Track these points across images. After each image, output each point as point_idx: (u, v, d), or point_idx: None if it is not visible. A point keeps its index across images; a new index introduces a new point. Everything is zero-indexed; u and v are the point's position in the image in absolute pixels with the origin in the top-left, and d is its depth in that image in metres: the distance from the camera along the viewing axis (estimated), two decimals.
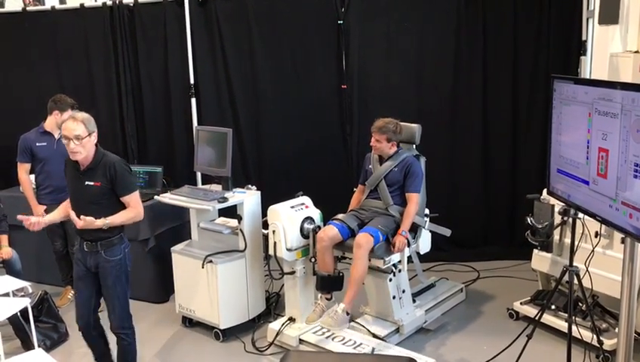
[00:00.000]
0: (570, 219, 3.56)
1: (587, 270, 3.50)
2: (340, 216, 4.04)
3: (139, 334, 4.27)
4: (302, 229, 4.03)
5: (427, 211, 4.24)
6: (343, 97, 5.43)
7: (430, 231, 4.31)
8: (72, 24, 5.73)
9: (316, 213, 4.13)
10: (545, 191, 3.65)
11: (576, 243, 3.41)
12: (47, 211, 4.47)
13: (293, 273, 4.07)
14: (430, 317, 4.33)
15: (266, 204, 4.20)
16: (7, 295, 4.03)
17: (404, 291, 4.16)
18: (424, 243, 4.27)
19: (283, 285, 4.28)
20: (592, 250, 3.45)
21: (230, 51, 5.51)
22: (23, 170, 4.62)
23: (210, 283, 4.18)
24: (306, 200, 4.19)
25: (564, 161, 3.14)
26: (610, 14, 4.36)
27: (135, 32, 5.63)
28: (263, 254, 4.35)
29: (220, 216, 4.63)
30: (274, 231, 3.97)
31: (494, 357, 3.78)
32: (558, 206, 3.87)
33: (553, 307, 4.02)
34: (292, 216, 4.00)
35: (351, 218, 4.02)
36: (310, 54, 5.44)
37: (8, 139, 5.28)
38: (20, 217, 3.32)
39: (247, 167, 5.67)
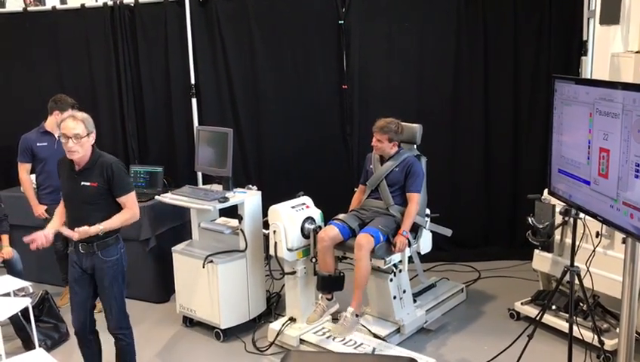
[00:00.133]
0: (571, 219, 3.55)
1: (588, 270, 3.49)
2: (341, 216, 4.04)
3: (140, 334, 4.27)
4: (303, 229, 4.03)
5: (428, 211, 4.24)
6: (343, 97, 5.43)
7: (431, 231, 4.31)
8: (73, 24, 5.74)
9: (317, 213, 4.13)
10: (546, 191, 3.65)
11: (577, 243, 3.41)
12: (47, 211, 4.48)
13: (293, 273, 4.07)
14: (431, 317, 4.33)
15: (266, 204, 4.20)
16: (8, 295, 4.04)
17: (404, 291, 4.16)
18: (425, 244, 4.27)
19: (284, 285, 4.28)
20: (593, 250, 3.44)
21: (231, 51, 5.51)
22: (24, 170, 4.62)
23: (211, 283, 4.18)
24: (307, 200, 4.19)
25: (565, 161, 3.14)
26: (611, 14, 4.36)
27: (136, 32, 5.64)
28: (264, 254, 4.35)
29: (220, 216, 4.63)
30: (275, 231, 3.97)
31: (495, 357, 3.78)
32: (559, 206, 3.86)
33: (554, 307, 4.02)
34: (293, 216, 4.00)
35: (352, 218, 4.01)
36: (311, 54, 5.44)
37: (9, 139, 5.30)
38: (26, 240, 3.24)
39: (248, 167, 5.67)
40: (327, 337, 4.00)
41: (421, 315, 4.26)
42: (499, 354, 3.76)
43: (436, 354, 3.94)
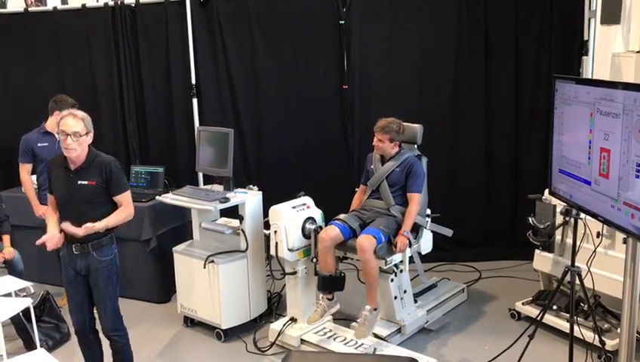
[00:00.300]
0: (572, 220, 3.55)
1: (589, 270, 3.50)
2: (342, 216, 4.03)
3: (140, 334, 4.29)
4: (303, 229, 4.03)
5: (429, 211, 4.24)
6: (344, 97, 5.43)
7: (432, 231, 4.30)
8: (74, 24, 5.74)
9: (318, 214, 4.13)
10: (546, 191, 3.65)
11: (578, 243, 3.41)
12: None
13: (294, 273, 4.07)
14: (432, 318, 4.33)
15: (267, 204, 4.20)
16: (9, 295, 4.04)
17: (405, 291, 4.16)
18: (425, 244, 4.27)
19: (284, 285, 4.28)
20: (594, 250, 3.44)
21: (232, 51, 5.51)
22: (25, 170, 4.62)
23: (212, 284, 4.18)
24: (308, 200, 4.19)
25: (566, 161, 3.13)
26: (612, 14, 4.35)
27: (137, 33, 5.64)
28: (265, 254, 4.35)
29: (221, 217, 4.63)
30: (275, 232, 3.98)
31: (496, 357, 3.77)
32: (560, 206, 3.87)
33: (555, 307, 4.02)
34: (293, 216, 4.00)
35: (352, 218, 4.01)
36: (311, 54, 5.44)
37: (10, 139, 5.31)
38: (38, 243, 3.25)
39: (249, 168, 5.67)
40: (328, 337, 4.00)
41: (422, 315, 4.26)
42: (500, 354, 3.76)
43: (437, 354, 3.94)
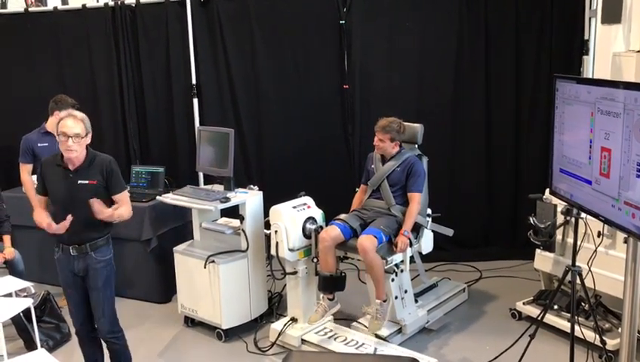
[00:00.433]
0: (573, 219, 3.55)
1: (590, 270, 3.49)
2: (343, 216, 4.03)
3: (141, 334, 4.30)
4: (304, 229, 4.03)
5: (429, 211, 4.24)
6: (344, 97, 5.42)
7: (432, 231, 4.30)
8: (74, 25, 5.74)
9: (318, 213, 4.13)
10: (547, 190, 3.64)
11: (578, 243, 3.40)
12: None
13: (295, 273, 4.07)
14: (432, 317, 4.33)
15: (268, 204, 4.20)
16: (9, 295, 4.04)
17: (406, 291, 4.16)
18: (426, 243, 4.27)
19: (285, 285, 4.27)
20: (595, 250, 3.44)
21: (232, 51, 5.51)
22: (25, 170, 4.62)
23: (213, 284, 4.18)
24: (308, 200, 4.19)
25: (567, 160, 3.13)
26: (612, 13, 4.35)
27: (137, 33, 5.64)
28: (265, 254, 4.35)
29: (222, 217, 4.63)
30: (276, 232, 3.97)
31: (497, 357, 3.77)
32: (561, 205, 3.87)
33: (556, 307, 4.02)
34: (294, 216, 4.00)
35: (353, 218, 4.01)
36: (312, 54, 5.44)
37: (10, 139, 5.30)
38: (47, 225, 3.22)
39: (249, 167, 5.67)
40: (329, 337, 4.00)
41: (423, 315, 4.25)
42: (501, 353, 3.75)
43: (438, 354, 3.94)
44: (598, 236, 3.56)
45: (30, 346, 4.02)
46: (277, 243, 3.98)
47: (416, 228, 4.07)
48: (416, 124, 4.22)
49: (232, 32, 5.48)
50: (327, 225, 4.02)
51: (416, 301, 4.32)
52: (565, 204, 3.63)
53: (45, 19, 5.81)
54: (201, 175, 5.49)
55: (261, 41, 5.45)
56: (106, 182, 3.26)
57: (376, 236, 3.76)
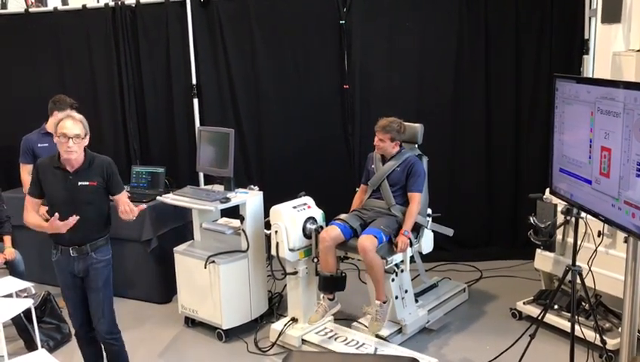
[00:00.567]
0: (573, 219, 3.55)
1: (590, 269, 3.49)
2: (343, 216, 4.03)
3: (141, 334, 4.30)
4: (304, 229, 4.03)
5: (429, 211, 4.24)
6: (345, 97, 5.42)
7: (432, 231, 4.30)
8: (74, 25, 5.74)
9: (318, 213, 4.13)
10: (547, 190, 3.64)
11: (579, 242, 3.40)
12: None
13: (295, 273, 4.07)
14: (433, 317, 4.33)
15: (268, 204, 4.20)
16: (10, 296, 4.04)
17: (406, 291, 4.16)
18: (426, 243, 4.27)
19: (285, 285, 4.27)
20: (595, 250, 3.44)
21: (232, 51, 5.51)
22: (26, 171, 4.62)
23: (213, 284, 4.18)
24: (309, 200, 4.19)
25: (567, 160, 3.13)
26: (612, 13, 4.35)
27: (137, 33, 5.64)
28: (266, 254, 4.35)
29: (222, 217, 4.63)
30: (276, 232, 3.97)
31: (497, 356, 3.77)
32: (561, 205, 3.87)
33: (556, 306, 4.02)
34: (294, 216, 4.00)
35: (353, 218, 4.01)
36: (312, 54, 5.44)
37: (10, 139, 5.30)
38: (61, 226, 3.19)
39: (250, 168, 5.67)
40: (330, 337, 4.00)
41: (423, 315, 4.25)
42: (501, 353, 3.75)
43: (438, 354, 3.94)
44: (599, 236, 3.56)
45: (31, 346, 4.03)
46: (277, 243, 3.98)
47: (417, 228, 4.07)
48: (416, 124, 4.22)
49: (232, 32, 5.48)
50: (327, 225, 4.02)
51: (416, 301, 4.32)
52: (565, 203, 3.63)
53: (45, 19, 5.81)
54: (201, 175, 5.49)
55: (261, 41, 5.45)
56: (106, 184, 3.28)
57: (377, 236, 3.76)
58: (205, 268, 4.17)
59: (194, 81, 5.57)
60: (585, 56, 4.92)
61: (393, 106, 4.91)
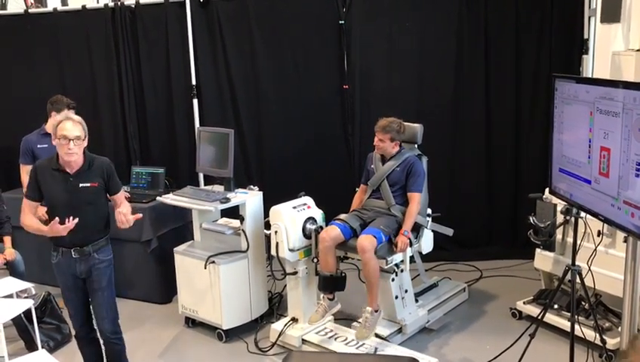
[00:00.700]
0: (573, 219, 3.55)
1: (590, 269, 3.50)
2: (343, 216, 4.03)
3: (141, 335, 4.31)
4: (304, 229, 4.03)
5: (429, 211, 4.24)
6: (344, 97, 5.42)
7: (432, 230, 4.30)
8: (74, 26, 5.73)
9: (318, 214, 4.13)
10: (547, 190, 3.65)
11: (578, 242, 3.41)
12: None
13: (295, 273, 4.08)
14: (433, 317, 4.33)
15: (268, 204, 4.20)
16: (10, 296, 4.04)
17: (406, 291, 4.16)
18: (426, 243, 4.27)
19: (285, 285, 4.28)
20: (595, 249, 3.45)
21: (232, 52, 5.51)
22: (25, 171, 4.61)
23: (213, 284, 4.18)
24: (308, 200, 4.19)
25: (566, 160, 3.13)
26: (612, 13, 4.35)
27: (137, 34, 5.64)
28: (266, 255, 4.36)
29: (222, 217, 4.63)
30: (276, 232, 3.98)
31: (497, 356, 3.77)
32: (561, 205, 3.87)
33: (556, 306, 4.02)
34: (294, 216, 4.00)
35: (353, 218, 4.01)
36: (311, 54, 5.44)
37: (10, 140, 5.31)
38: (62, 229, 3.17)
39: (249, 168, 5.67)
40: (330, 337, 4.00)
41: (423, 315, 4.26)
42: (501, 353, 3.76)
43: (438, 354, 3.94)
44: (598, 235, 3.56)
45: (31, 347, 4.03)
46: (277, 243, 3.98)
47: (417, 228, 4.07)
48: (416, 124, 4.22)
49: (231, 33, 5.48)
50: (327, 225, 4.02)
51: (416, 301, 4.33)
52: (565, 203, 3.63)
53: (45, 20, 5.80)
54: (201, 175, 5.49)
55: (261, 41, 5.45)
56: (106, 184, 3.30)
57: (376, 236, 3.76)
58: (205, 268, 4.17)
59: (194, 82, 5.56)
60: (584, 56, 4.92)
61: (393, 106, 4.91)
